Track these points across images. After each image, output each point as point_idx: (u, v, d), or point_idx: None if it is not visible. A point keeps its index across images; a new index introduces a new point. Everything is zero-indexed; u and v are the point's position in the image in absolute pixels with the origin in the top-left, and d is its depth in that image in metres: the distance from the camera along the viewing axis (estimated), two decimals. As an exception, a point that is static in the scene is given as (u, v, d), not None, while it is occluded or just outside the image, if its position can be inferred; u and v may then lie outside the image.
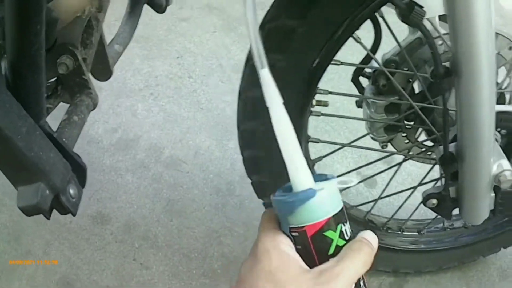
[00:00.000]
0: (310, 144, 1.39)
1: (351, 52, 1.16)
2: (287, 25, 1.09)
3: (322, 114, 1.31)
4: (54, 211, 0.89)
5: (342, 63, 1.22)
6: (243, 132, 1.29)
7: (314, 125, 2.04)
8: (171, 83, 2.19)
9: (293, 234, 0.66)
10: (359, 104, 1.48)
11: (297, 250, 0.66)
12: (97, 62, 1.27)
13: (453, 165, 1.18)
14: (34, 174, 0.79)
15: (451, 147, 1.18)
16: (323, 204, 0.65)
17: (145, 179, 1.83)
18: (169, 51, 2.35)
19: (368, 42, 1.22)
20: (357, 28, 1.10)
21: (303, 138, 1.33)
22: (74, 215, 0.89)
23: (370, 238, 0.69)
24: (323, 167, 1.87)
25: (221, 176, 1.86)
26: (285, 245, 0.65)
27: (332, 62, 1.18)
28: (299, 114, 1.23)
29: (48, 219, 0.86)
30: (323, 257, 0.65)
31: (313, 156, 1.44)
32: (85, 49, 1.17)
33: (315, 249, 0.65)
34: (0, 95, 0.74)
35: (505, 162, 1.15)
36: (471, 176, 1.18)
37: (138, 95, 2.12)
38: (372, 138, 1.46)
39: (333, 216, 0.65)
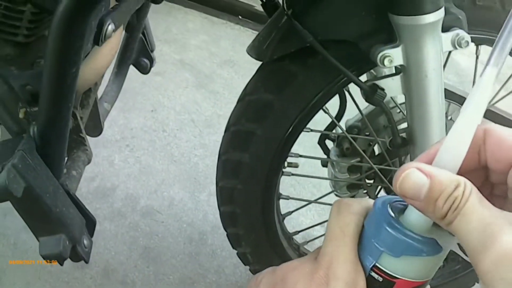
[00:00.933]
0: (280, 200, 1.50)
1: (317, 117, 1.27)
2: (265, 98, 1.21)
3: (293, 174, 1.46)
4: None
5: (312, 130, 1.36)
6: (221, 189, 1.41)
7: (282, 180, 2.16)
8: (146, 136, 2.31)
9: (373, 275, 0.50)
10: (324, 164, 1.61)
11: None
12: (90, 120, 1.39)
13: (405, 148, 1.23)
14: (57, 226, 0.90)
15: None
16: (434, 264, 0.50)
17: (122, 227, 1.92)
18: (144, 104, 2.48)
19: (333, 110, 1.35)
20: (326, 102, 1.23)
21: (275, 195, 1.43)
22: (87, 262, 1.00)
23: None
24: (288, 220, 1.99)
25: (194, 226, 1.97)
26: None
27: (303, 130, 1.29)
28: (273, 175, 1.34)
29: (62, 265, 0.97)
30: None
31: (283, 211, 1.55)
32: (83, 109, 1.28)
33: None
34: (33, 159, 0.86)
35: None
36: None
37: (114, 146, 2.23)
38: (336, 195, 1.58)
39: (426, 281, 0.51)
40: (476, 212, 0.41)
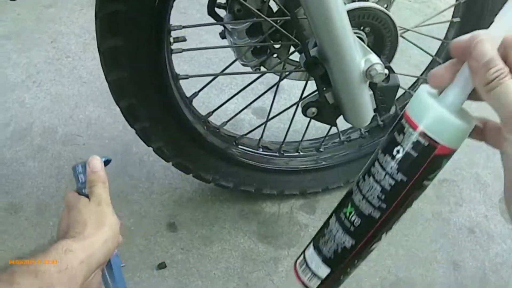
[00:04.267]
0: (182, 82, 1.44)
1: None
2: None
3: (184, 50, 1.38)
4: None
5: None
6: (111, 83, 1.34)
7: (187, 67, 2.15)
8: (51, 67, 2.24)
9: (420, 139, 0.62)
10: (223, 35, 1.53)
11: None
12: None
13: (318, 68, 1.21)
14: None
15: (314, 52, 1.21)
16: (463, 135, 0.63)
17: (45, 160, 1.88)
18: (42, 39, 2.39)
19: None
20: None
21: (173, 78, 1.38)
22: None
23: None
24: (202, 104, 1.98)
25: (116, 140, 1.94)
26: None
27: None
28: (157, 51, 1.27)
29: None
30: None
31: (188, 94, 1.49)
32: None
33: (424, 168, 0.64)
34: None
35: (372, 57, 1.19)
36: (340, 76, 1.22)
37: (22, 86, 2.15)
38: (243, 65, 1.52)
39: (455, 149, 0.64)
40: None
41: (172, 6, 1.24)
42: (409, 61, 2.25)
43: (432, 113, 0.61)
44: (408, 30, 1.49)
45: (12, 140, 1.95)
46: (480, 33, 0.59)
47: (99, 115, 2.02)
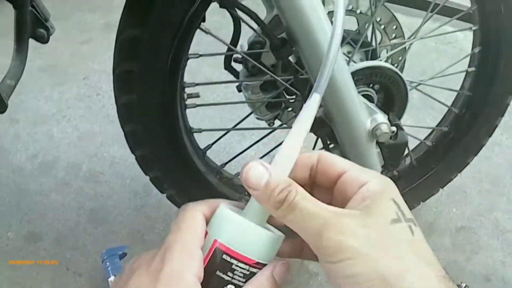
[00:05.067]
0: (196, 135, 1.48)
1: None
2: (132, 34, 1.19)
3: (197, 105, 1.42)
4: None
5: (200, 55, 1.31)
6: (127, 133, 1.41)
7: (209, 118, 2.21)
8: (81, 103, 2.34)
9: (216, 253, 0.57)
10: (239, 89, 1.54)
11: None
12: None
13: (324, 128, 1.23)
14: None
15: (319, 112, 1.21)
16: (269, 247, 0.59)
17: (68, 195, 1.96)
18: (75, 75, 2.50)
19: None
20: (200, 21, 1.19)
21: (186, 131, 1.43)
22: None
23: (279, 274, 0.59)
24: (223, 150, 2.04)
25: (136, 180, 2.01)
26: None
27: (190, 56, 1.27)
28: (171, 109, 1.32)
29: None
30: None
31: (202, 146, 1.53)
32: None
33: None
34: None
35: (378, 116, 1.20)
36: (346, 135, 1.23)
37: (52, 120, 2.25)
38: (257, 118, 1.54)
39: (259, 261, 0.58)
40: (305, 204, 0.54)
41: (185, 66, 1.29)
42: (433, 106, 2.24)
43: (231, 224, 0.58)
44: (420, 83, 1.51)
45: (39, 172, 2.04)
46: (251, 162, 0.57)
47: (122, 155, 2.10)
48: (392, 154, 1.29)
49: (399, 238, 0.53)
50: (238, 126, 1.61)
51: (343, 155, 1.28)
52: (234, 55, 1.47)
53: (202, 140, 1.53)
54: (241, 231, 0.58)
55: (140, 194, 1.97)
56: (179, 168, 1.47)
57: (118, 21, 1.20)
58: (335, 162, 0.61)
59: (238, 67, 1.49)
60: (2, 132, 2.17)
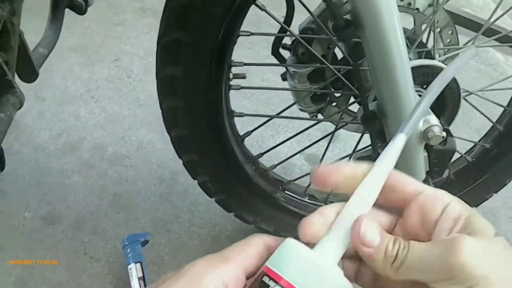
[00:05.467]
0: (236, 119, 1.41)
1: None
2: (182, 2, 1.12)
3: (242, 87, 1.35)
4: None
5: (252, 34, 1.23)
6: (165, 111, 1.34)
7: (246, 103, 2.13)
8: (111, 85, 2.25)
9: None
10: (284, 77, 1.49)
11: None
12: (22, 64, 1.32)
13: (375, 123, 1.16)
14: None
15: (373, 105, 1.17)
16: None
17: (91, 177, 1.88)
18: (107, 56, 2.41)
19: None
20: None
21: (228, 114, 1.36)
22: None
23: None
24: (256, 143, 1.96)
25: (164, 167, 1.92)
26: None
27: (242, 33, 1.21)
28: (215, 87, 1.25)
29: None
30: None
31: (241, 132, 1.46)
32: (6, 52, 1.22)
33: None
34: None
35: (432, 118, 1.14)
36: None
37: (79, 100, 2.17)
38: (300, 109, 1.48)
39: None
40: (420, 248, 0.50)
41: (236, 42, 1.22)
42: (469, 124, 2.19)
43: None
44: (471, 93, 1.43)
45: (62, 152, 1.96)
46: (361, 218, 0.51)
47: (151, 140, 2.01)
48: (439, 160, 1.22)
49: (510, 250, 0.50)
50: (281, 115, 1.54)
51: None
52: (283, 41, 1.39)
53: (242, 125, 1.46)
54: (313, 272, 0.48)
55: (166, 181, 1.88)
56: (216, 152, 1.39)
57: (154, 6, 1.12)
58: (409, 181, 0.58)
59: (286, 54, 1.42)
60: (27, 109, 2.08)
